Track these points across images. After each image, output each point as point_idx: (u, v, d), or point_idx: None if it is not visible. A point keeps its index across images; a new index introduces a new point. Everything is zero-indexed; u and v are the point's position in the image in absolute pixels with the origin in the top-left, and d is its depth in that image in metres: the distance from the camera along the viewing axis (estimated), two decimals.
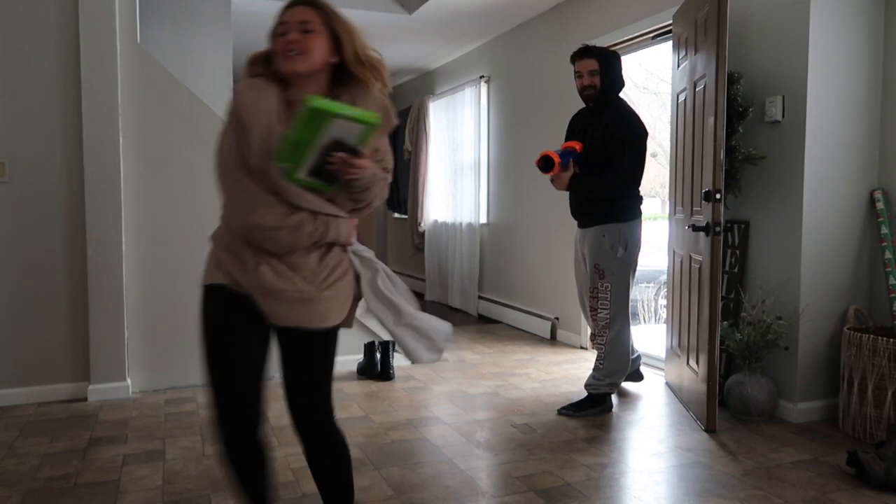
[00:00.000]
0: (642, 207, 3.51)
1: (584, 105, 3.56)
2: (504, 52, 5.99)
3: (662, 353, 4.11)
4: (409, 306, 1.75)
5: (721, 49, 3.03)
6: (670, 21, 3.84)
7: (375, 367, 4.10)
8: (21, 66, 3.50)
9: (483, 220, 6.43)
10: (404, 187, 8.18)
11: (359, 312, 1.84)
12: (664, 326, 4.06)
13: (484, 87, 6.34)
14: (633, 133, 3.34)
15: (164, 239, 3.77)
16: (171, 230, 3.78)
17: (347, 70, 1.67)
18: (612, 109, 3.38)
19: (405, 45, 6.50)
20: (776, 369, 3.34)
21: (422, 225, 7.61)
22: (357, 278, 1.74)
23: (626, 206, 3.40)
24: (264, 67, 1.68)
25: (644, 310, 6.95)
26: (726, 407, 3.37)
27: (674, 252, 3.81)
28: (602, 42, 4.42)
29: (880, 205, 3.26)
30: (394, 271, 1.84)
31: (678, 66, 3.72)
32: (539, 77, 5.41)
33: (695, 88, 3.39)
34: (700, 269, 3.28)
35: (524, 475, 2.66)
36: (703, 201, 3.18)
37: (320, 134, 1.47)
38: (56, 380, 3.64)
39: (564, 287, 5.08)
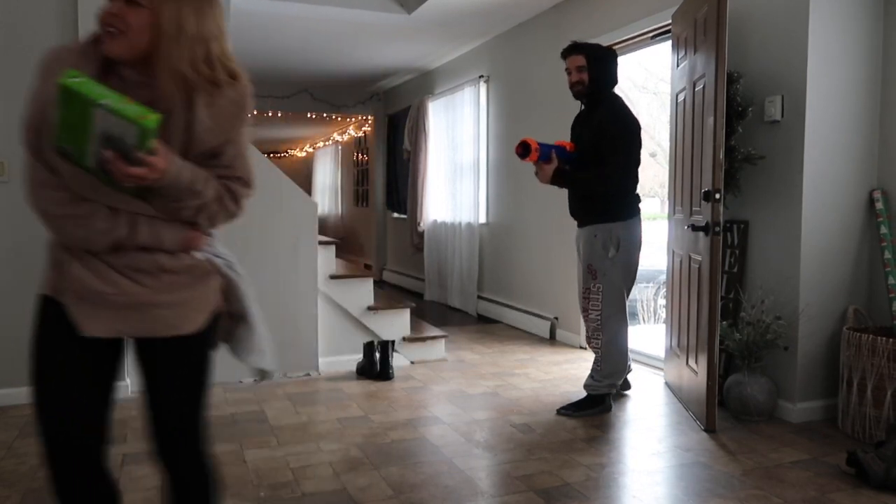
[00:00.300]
0: (640, 207, 3.49)
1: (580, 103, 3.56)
2: (503, 52, 5.99)
3: (662, 353, 4.11)
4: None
5: (720, 49, 3.03)
6: (670, 21, 3.84)
7: (375, 367, 4.10)
8: (21, 66, 3.50)
9: (482, 219, 6.43)
10: (403, 187, 8.19)
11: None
12: (663, 326, 4.06)
13: (483, 87, 6.35)
14: (624, 128, 3.33)
15: None
16: None
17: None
18: (604, 106, 3.37)
19: (404, 44, 6.50)
20: (776, 369, 3.34)
21: (421, 225, 7.60)
22: (225, 286, 1.51)
23: (620, 206, 3.37)
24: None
25: (643, 310, 6.96)
26: (726, 407, 3.37)
27: (673, 252, 3.81)
28: (601, 42, 4.40)
29: (879, 205, 3.26)
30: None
31: (677, 66, 3.73)
32: (538, 77, 5.41)
33: (694, 88, 3.39)
34: (699, 268, 3.28)
35: (523, 475, 2.66)
36: (703, 201, 3.18)
37: (89, 121, 1.21)
38: None
39: (563, 287, 5.08)
